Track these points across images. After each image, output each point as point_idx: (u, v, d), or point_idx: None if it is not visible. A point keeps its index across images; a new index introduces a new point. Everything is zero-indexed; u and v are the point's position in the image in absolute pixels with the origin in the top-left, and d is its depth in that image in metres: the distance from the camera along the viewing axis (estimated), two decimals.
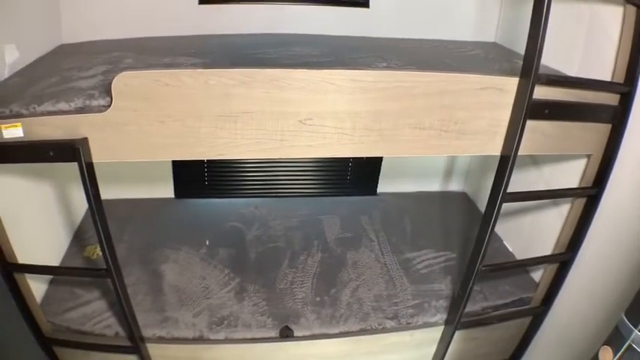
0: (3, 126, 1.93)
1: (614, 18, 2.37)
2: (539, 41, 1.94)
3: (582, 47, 2.67)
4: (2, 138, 1.94)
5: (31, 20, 2.77)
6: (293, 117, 2.04)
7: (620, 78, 2.33)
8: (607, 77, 2.42)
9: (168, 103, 1.98)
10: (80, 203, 3.26)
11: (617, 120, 2.36)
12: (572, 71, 2.66)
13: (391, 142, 2.19)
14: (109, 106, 1.95)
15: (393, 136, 2.17)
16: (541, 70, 2.02)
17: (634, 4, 2.20)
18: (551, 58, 2.36)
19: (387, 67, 2.46)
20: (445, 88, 2.12)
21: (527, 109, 2.09)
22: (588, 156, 2.55)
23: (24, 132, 1.94)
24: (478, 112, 2.20)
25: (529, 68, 2.02)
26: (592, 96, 2.29)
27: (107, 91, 1.96)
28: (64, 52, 2.95)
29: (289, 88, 1.97)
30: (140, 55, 2.65)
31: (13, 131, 1.94)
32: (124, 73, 1.92)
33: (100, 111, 1.96)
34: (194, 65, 2.40)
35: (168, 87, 1.94)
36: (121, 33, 3.19)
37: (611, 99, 2.34)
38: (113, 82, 1.90)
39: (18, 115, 1.94)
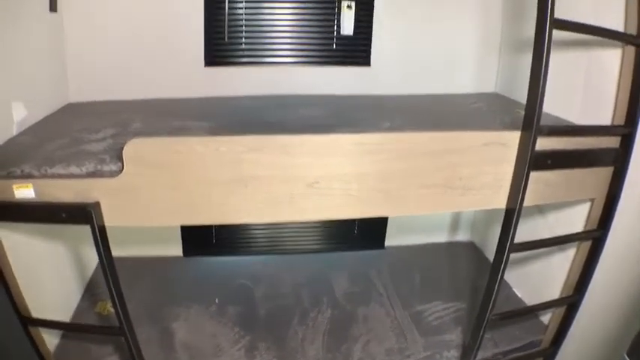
0: (15, 186, 1.98)
1: (612, 59, 2.43)
2: (539, 95, 2.00)
3: (582, 90, 2.72)
4: (14, 197, 1.99)
5: (39, 78, 2.87)
6: (301, 181, 2.08)
7: (620, 119, 2.38)
8: (607, 119, 2.47)
9: (179, 170, 2.03)
10: (91, 257, 3.25)
11: (619, 162, 2.39)
12: (573, 116, 2.71)
13: (398, 202, 2.23)
14: (121, 171, 2.00)
15: (399, 196, 2.20)
16: (542, 118, 2.07)
17: (633, 44, 2.27)
18: (551, 104, 2.34)
19: (391, 127, 2.53)
20: (449, 147, 2.18)
21: (531, 162, 2.14)
22: (592, 199, 2.57)
23: (35, 193, 1.99)
24: (482, 168, 2.24)
25: (530, 121, 2.07)
26: (593, 141, 2.33)
27: (118, 157, 2.01)
28: (71, 112, 3.04)
29: (298, 154, 2.03)
30: (149, 118, 2.73)
31: (25, 191, 1.99)
32: (135, 140, 1.98)
33: (112, 176, 2.01)
34: (203, 129, 2.47)
35: (179, 154, 2.00)
36: (128, 94, 3.30)
37: (612, 141, 2.38)
38: (124, 148, 1.96)
39: (29, 176, 1.99)
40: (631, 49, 2.29)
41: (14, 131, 2.47)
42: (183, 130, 2.46)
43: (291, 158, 2.03)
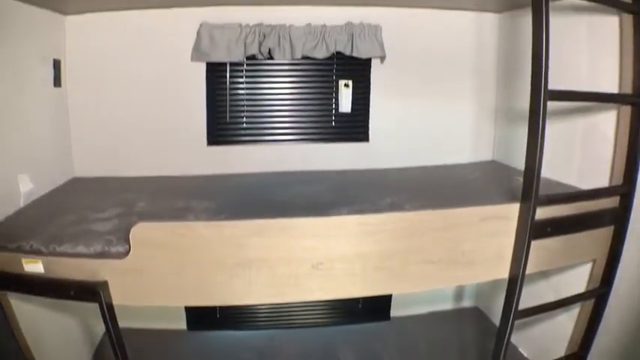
0: (24, 260, 2.04)
1: (608, 120, 2.52)
2: (537, 167, 2.06)
3: (579, 153, 2.79)
4: (24, 270, 2.04)
5: (44, 152, 2.96)
6: (305, 262, 2.11)
7: (618, 179, 2.44)
8: (605, 179, 2.53)
9: (184, 253, 2.06)
10: (98, 326, 3.16)
11: (619, 221, 2.44)
12: (572, 179, 2.78)
13: (402, 279, 2.24)
14: (128, 253, 2.04)
15: (403, 273, 2.22)
16: (541, 183, 2.11)
17: (629, 104, 2.36)
18: (550, 169, 2.42)
19: (392, 203, 2.57)
20: (450, 223, 2.22)
21: (531, 232, 2.17)
22: (594, 259, 2.59)
23: (44, 268, 2.05)
24: (484, 241, 2.27)
25: (529, 193, 2.12)
26: (593, 204, 2.38)
27: (125, 238, 2.05)
28: (77, 187, 3.11)
29: (301, 236, 2.07)
30: (153, 197, 2.78)
31: (34, 266, 2.05)
32: (141, 224, 2.02)
33: (119, 257, 2.05)
34: (206, 210, 2.50)
35: (184, 237, 2.04)
36: (132, 170, 3.37)
37: (611, 201, 2.42)
38: (131, 232, 2.01)
39: (38, 252, 2.05)
40: (627, 109, 2.39)
41: (21, 203, 2.55)
42: (187, 210, 2.49)
43: (295, 241, 2.07)
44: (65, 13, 3.21)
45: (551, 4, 1.98)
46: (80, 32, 3.28)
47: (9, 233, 2.15)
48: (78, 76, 3.28)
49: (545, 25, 1.97)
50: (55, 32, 3.16)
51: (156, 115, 3.45)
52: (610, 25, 2.50)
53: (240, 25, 3.34)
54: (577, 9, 2.69)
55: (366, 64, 3.60)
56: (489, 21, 3.68)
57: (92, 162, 3.37)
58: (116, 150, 3.42)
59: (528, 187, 2.12)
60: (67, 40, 3.25)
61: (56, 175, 3.11)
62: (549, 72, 1.99)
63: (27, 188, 2.60)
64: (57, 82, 3.11)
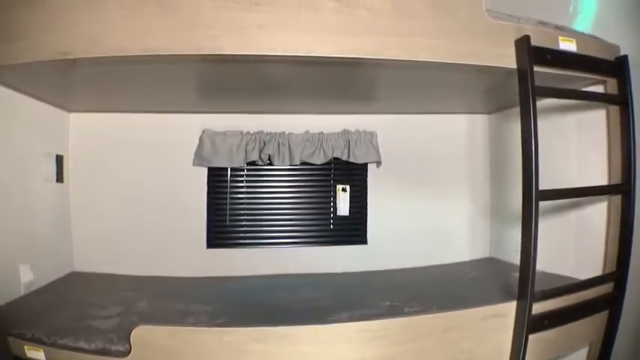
0: (26, 347, 2.07)
1: (600, 211, 2.61)
2: (531, 266, 2.11)
3: (573, 244, 2.85)
4: (26, 356, 2.07)
5: (45, 244, 2.99)
6: None
7: (612, 265, 2.48)
8: (599, 266, 2.58)
9: (185, 356, 2.04)
10: None
11: (614, 305, 2.46)
12: (567, 270, 2.80)
13: None
14: (128, 352, 2.03)
15: None
16: (537, 277, 2.14)
17: (619, 193, 2.45)
18: (545, 262, 2.43)
19: (392, 307, 2.57)
20: (449, 325, 2.21)
21: (528, 327, 2.18)
22: (590, 343, 2.58)
23: (46, 357, 2.07)
24: (483, 339, 2.26)
25: (525, 290, 2.16)
26: (588, 293, 2.40)
27: (126, 338, 2.05)
28: (76, 281, 3.12)
29: (301, 343, 2.05)
30: (153, 298, 2.78)
31: (36, 354, 2.07)
32: (142, 327, 2.03)
33: (120, 356, 2.04)
34: (206, 313, 2.49)
35: (184, 342, 2.03)
36: (131, 269, 3.38)
37: (606, 287, 2.45)
38: (132, 333, 2.01)
39: (39, 342, 2.08)
40: (617, 198, 2.49)
41: (22, 291, 2.58)
42: (187, 313, 2.49)
43: (295, 347, 2.04)
44: (69, 110, 3.38)
45: (538, 105, 2.12)
46: (83, 130, 3.43)
47: (11, 318, 2.20)
48: (80, 172, 3.40)
49: (533, 126, 2.10)
50: (59, 128, 3.31)
51: (156, 215, 3.52)
52: (598, 118, 2.66)
53: (241, 132, 3.50)
54: (565, 108, 2.85)
55: (362, 168, 3.74)
56: (480, 122, 3.87)
57: (92, 257, 3.39)
58: (116, 247, 3.45)
59: (524, 285, 2.16)
60: (71, 137, 3.40)
61: (56, 267, 3.13)
62: (540, 171, 2.09)
63: (28, 278, 2.64)
64: (59, 177, 3.21)
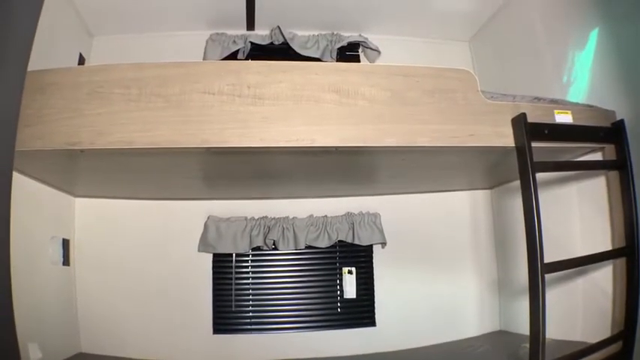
0: None
1: (606, 275, 2.61)
2: (541, 337, 2.07)
3: (582, 310, 2.82)
4: None
5: (52, 324, 2.94)
6: None
7: (620, 325, 2.44)
8: (607, 327, 2.55)
9: None
10: None
11: None
12: (576, 335, 2.75)
13: None
14: None
15: None
16: (547, 345, 2.10)
17: (623, 256, 2.43)
18: (555, 329, 2.41)
19: None
20: None
21: None
22: None
23: None
24: None
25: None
26: (597, 355, 2.36)
27: None
28: None
29: None
30: None
31: None
32: None
33: None
34: None
35: None
36: (137, 352, 3.28)
37: (615, 347, 2.40)
38: None
39: None
40: (622, 261, 2.47)
41: None
42: None
43: None
44: (75, 195, 3.43)
45: (538, 177, 2.16)
46: (89, 214, 3.47)
47: None
48: (85, 256, 3.39)
49: (535, 200, 2.14)
50: (66, 213, 3.34)
51: (162, 299, 3.49)
52: (598, 185, 2.71)
53: (245, 218, 3.54)
54: (565, 178, 2.90)
55: (368, 250, 3.73)
56: (482, 197, 3.92)
57: (98, 339, 3.32)
58: (122, 330, 3.39)
59: (534, 356, 2.12)
60: (76, 221, 3.42)
61: (64, 348, 3.08)
62: (544, 241, 2.11)
63: (37, 357, 2.58)
64: (65, 261, 3.20)
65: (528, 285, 2.14)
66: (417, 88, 2.27)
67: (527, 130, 2.23)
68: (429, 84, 2.29)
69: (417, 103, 2.25)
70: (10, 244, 0.83)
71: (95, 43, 3.82)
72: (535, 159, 2.19)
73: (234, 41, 3.87)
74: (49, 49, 2.81)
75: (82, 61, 3.54)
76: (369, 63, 3.95)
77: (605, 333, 2.54)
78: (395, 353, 3.44)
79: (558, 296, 2.52)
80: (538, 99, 2.50)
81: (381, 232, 3.64)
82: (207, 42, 3.86)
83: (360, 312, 3.69)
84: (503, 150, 2.32)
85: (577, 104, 2.63)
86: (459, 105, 2.29)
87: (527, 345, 2.19)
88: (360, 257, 3.75)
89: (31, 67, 1.92)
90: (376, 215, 3.67)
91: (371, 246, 3.72)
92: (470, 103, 2.30)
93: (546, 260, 2.12)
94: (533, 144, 2.22)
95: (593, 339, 2.48)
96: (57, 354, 2.94)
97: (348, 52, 4.08)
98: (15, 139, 0.88)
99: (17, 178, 2.64)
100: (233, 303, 3.58)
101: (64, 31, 3.35)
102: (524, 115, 2.26)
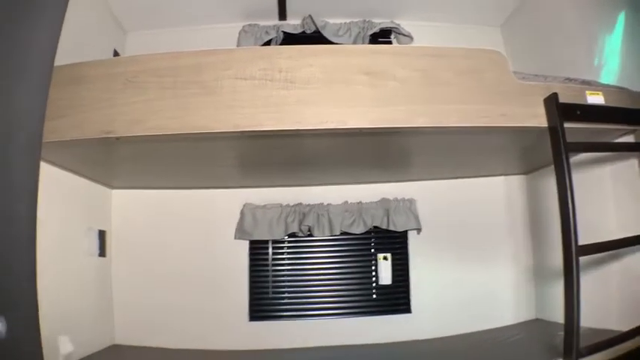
0: None
1: None
2: (576, 324, 2.07)
3: (618, 298, 2.75)
4: None
5: (86, 316, 3.02)
6: None
7: None
8: None
9: None
10: None
11: None
12: (612, 323, 2.66)
13: None
14: None
15: None
16: (583, 334, 2.11)
17: None
18: (591, 318, 2.38)
19: None
20: None
21: None
22: None
23: None
24: None
25: (570, 348, 2.11)
26: (631, 343, 2.31)
27: None
28: (116, 354, 3.13)
29: None
30: None
31: None
32: None
33: None
34: None
35: None
36: (172, 342, 3.36)
37: None
38: None
39: None
40: None
41: None
42: None
43: None
44: (112, 187, 3.52)
45: (572, 160, 2.13)
46: (126, 205, 3.57)
47: None
48: (122, 247, 3.49)
49: (568, 181, 2.12)
50: (103, 205, 3.44)
51: (198, 288, 3.55)
52: (632, 167, 2.66)
53: (281, 205, 3.57)
54: (600, 160, 2.84)
55: (403, 236, 3.71)
56: (517, 183, 3.83)
57: (133, 330, 3.41)
58: (158, 320, 3.46)
59: (569, 343, 2.11)
60: (113, 213, 3.52)
61: (97, 340, 3.15)
62: (579, 225, 2.09)
63: (67, 350, 2.62)
64: (102, 252, 3.29)
65: (563, 268, 2.12)
66: (448, 68, 2.26)
67: (559, 110, 2.20)
68: (459, 65, 2.28)
69: (448, 83, 2.23)
70: (36, 245, 0.86)
71: (129, 38, 3.92)
72: (567, 140, 2.17)
73: (267, 31, 3.89)
74: (83, 47, 2.88)
75: (116, 56, 3.62)
76: None
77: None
78: (430, 341, 3.39)
79: (594, 283, 2.48)
80: (569, 80, 2.46)
81: (417, 218, 3.62)
82: (240, 33, 3.90)
83: (396, 298, 3.69)
84: (537, 131, 2.28)
85: (608, 86, 2.58)
86: (490, 85, 2.27)
87: (562, 332, 2.17)
88: (396, 243, 3.73)
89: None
90: (411, 201, 3.65)
91: (406, 232, 3.70)
92: (501, 84, 2.28)
93: (580, 243, 2.09)
94: (566, 125, 2.19)
95: (628, 327, 2.44)
96: (91, 346, 3.02)
97: (381, 39, 4.04)
98: (42, 135, 0.91)
99: (54, 171, 2.75)
100: (270, 290, 3.63)
101: (98, 29, 3.47)
102: (555, 95, 2.23)
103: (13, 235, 0.83)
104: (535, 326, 3.45)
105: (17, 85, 0.85)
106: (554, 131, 2.19)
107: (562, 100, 2.23)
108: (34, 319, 0.84)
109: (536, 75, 2.39)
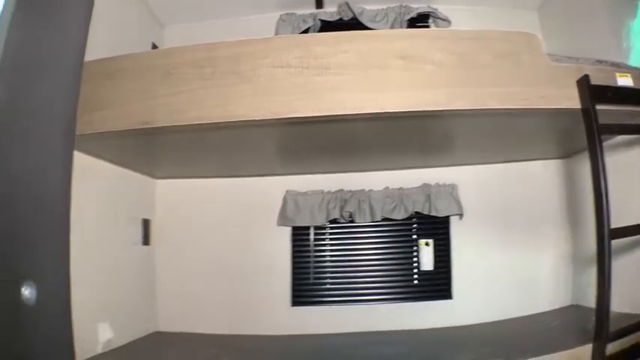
0: None
1: None
2: (606, 305, 2.08)
3: None
4: None
5: (128, 304, 3.11)
6: None
7: None
8: None
9: None
10: None
11: None
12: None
13: None
14: None
15: None
16: (614, 318, 2.12)
17: None
18: (625, 302, 2.42)
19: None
20: None
21: None
22: None
23: None
24: None
25: (600, 332, 2.13)
26: None
27: None
28: (158, 341, 3.22)
29: None
30: (238, 357, 2.86)
31: None
32: None
33: None
34: None
35: None
36: (214, 328, 3.44)
37: None
38: None
39: None
40: None
41: (99, 349, 2.65)
42: None
43: None
44: (156, 177, 3.63)
45: (605, 144, 2.13)
46: (170, 195, 3.66)
47: None
48: (166, 235, 3.59)
49: (601, 163, 2.12)
50: (147, 194, 3.55)
51: (241, 274, 3.62)
52: None
53: (322, 192, 3.60)
54: (627, 143, 2.79)
55: (444, 221, 3.68)
56: (556, 167, 3.74)
57: (176, 317, 3.50)
58: (200, 307, 3.55)
59: (599, 327, 2.13)
60: (157, 202, 3.63)
61: (139, 327, 3.25)
62: (615, 210, 2.09)
63: (106, 337, 2.71)
64: (146, 240, 3.40)
65: (596, 252, 2.11)
66: (484, 51, 2.24)
67: (590, 91, 2.19)
68: (495, 47, 2.26)
69: (485, 66, 2.22)
70: (70, 242, 0.90)
71: (167, 32, 4.01)
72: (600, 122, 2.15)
73: (304, 20, 3.91)
74: (122, 42, 2.99)
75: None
76: None
77: None
78: (470, 327, 3.37)
79: (626, 269, 2.45)
80: (600, 62, 2.42)
81: (458, 203, 3.59)
82: (277, 23, 3.92)
83: (437, 284, 3.67)
84: (570, 112, 2.25)
85: (636, 68, 2.52)
86: (526, 68, 2.25)
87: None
88: (437, 229, 3.71)
89: None
90: (453, 186, 3.62)
91: (448, 217, 3.66)
92: (536, 66, 2.25)
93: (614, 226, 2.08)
94: (598, 107, 2.17)
95: None
96: (133, 333, 3.11)
97: (418, 24, 3.99)
98: (75, 122, 0.94)
99: (99, 164, 2.85)
100: (311, 275, 3.67)
101: (136, 23, 3.56)
102: (587, 77, 2.21)
103: (47, 201, 0.86)
104: (572, 312, 3.40)
105: (49, 75, 0.88)
106: (587, 113, 2.18)
107: (593, 82, 2.21)
108: (65, 289, 0.88)
109: (568, 57, 2.35)
